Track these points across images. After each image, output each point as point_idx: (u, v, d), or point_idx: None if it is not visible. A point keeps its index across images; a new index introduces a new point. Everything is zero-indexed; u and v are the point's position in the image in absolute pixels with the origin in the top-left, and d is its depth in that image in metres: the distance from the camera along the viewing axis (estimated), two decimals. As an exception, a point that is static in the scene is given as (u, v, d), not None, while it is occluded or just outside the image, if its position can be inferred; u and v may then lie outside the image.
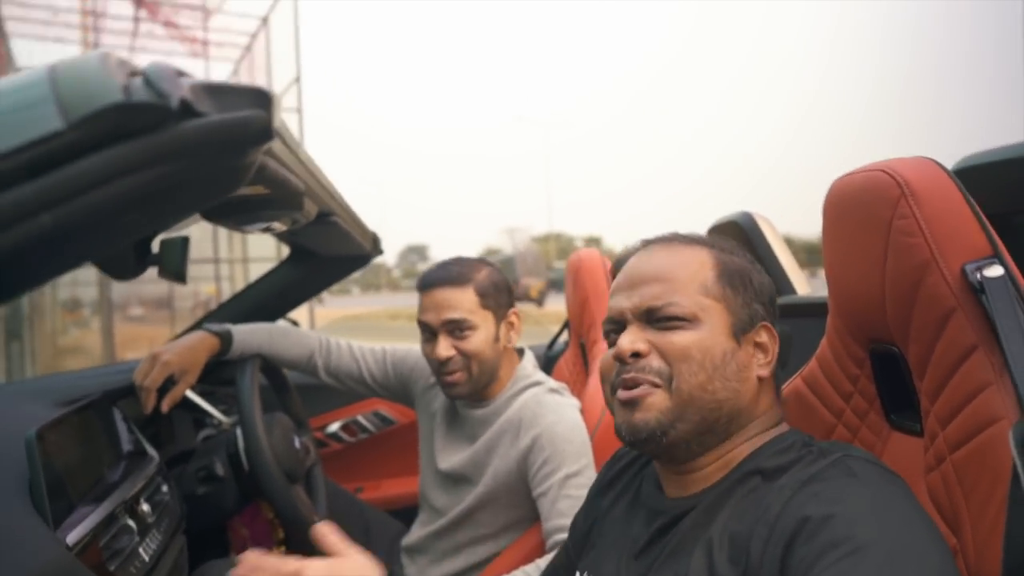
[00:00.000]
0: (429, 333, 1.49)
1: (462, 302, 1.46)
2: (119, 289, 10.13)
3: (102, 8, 8.54)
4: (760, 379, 0.83)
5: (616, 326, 0.86)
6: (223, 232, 10.60)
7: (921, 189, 0.75)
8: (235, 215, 1.04)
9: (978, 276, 0.71)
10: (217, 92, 0.48)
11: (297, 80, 9.82)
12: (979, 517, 0.70)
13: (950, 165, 0.79)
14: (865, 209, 0.80)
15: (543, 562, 1.27)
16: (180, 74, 0.48)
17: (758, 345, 0.84)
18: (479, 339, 1.46)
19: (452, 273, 1.48)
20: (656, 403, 0.79)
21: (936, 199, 0.74)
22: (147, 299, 12.03)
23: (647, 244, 0.90)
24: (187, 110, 0.46)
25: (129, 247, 1.07)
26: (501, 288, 1.52)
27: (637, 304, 0.83)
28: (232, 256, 10.63)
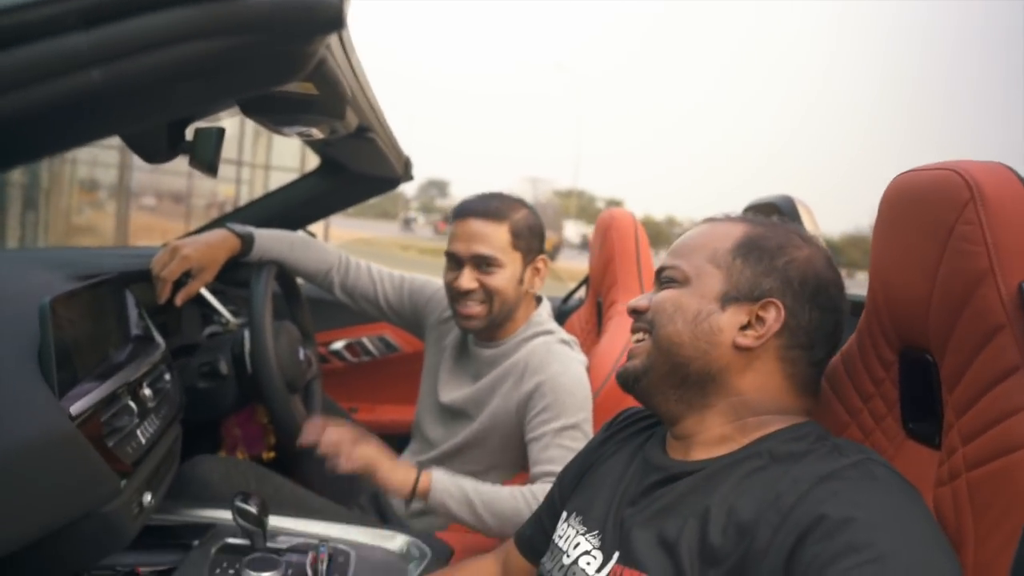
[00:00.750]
0: (455, 262, 1.48)
1: (495, 238, 1.44)
2: (137, 178, 10.13)
3: None
4: (738, 347, 0.83)
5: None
6: (248, 135, 10.54)
7: (993, 196, 0.71)
8: (276, 113, 1.01)
9: (1035, 296, 0.68)
10: None
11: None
12: (986, 538, 0.69)
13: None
14: (928, 208, 0.76)
15: (537, 490, 1.29)
16: None
17: (760, 318, 0.83)
18: (504, 277, 1.45)
19: (490, 207, 1.46)
20: (641, 350, 0.88)
21: (1007, 209, 0.71)
22: (164, 191, 12.04)
23: (705, 221, 0.95)
24: (260, -18, 0.43)
25: (163, 128, 1.05)
26: (535, 232, 1.50)
27: (659, 266, 0.92)
28: (255, 161, 10.59)
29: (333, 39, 0.70)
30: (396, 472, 1.30)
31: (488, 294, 1.45)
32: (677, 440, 0.87)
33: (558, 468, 1.25)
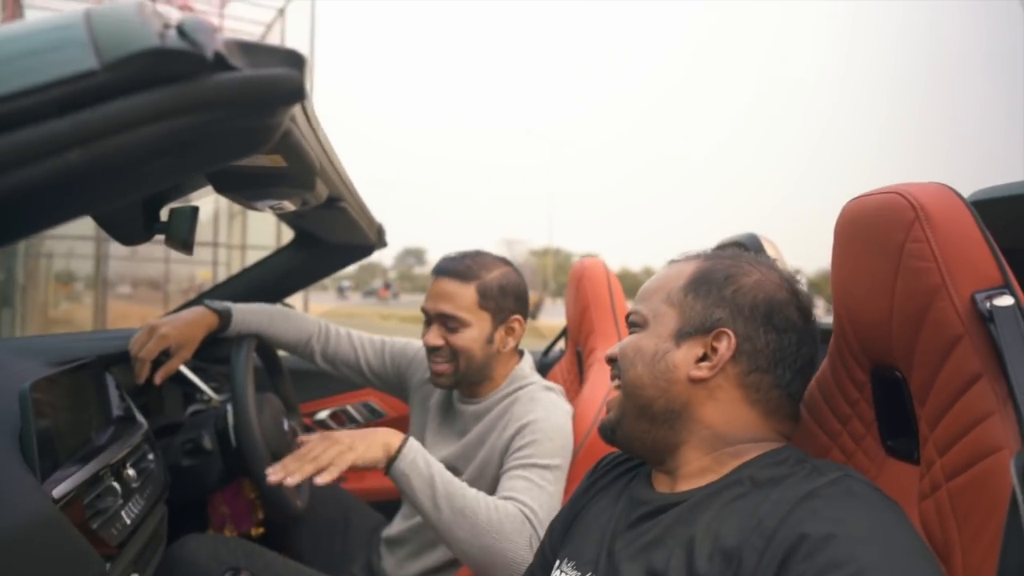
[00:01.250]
0: (426, 318, 1.51)
1: (460, 297, 1.46)
2: (114, 266, 10.11)
3: (119, -11, 8.56)
4: (693, 380, 0.84)
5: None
6: (223, 216, 10.61)
7: (936, 214, 0.75)
8: (247, 188, 1.04)
9: (987, 305, 0.71)
10: (251, 49, 0.48)
11: (310, 71, 9.86)
12: (971, 546, 0.70)
13: (966, 194, 0.79)
14: (878, 231, 0.80)
15: (501, 505, 1.24)
16: (215, 30, 0.48)
17: (714, 349, 0.84)
18: (469, 337, 1.46)
19: (460, 267, 1.48)
20: (615, 401, 0.91)
21: (950, 225, 0.75)
22: (141, 279, 12.01)
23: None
24: (221, 63, 0.46)
25: (138, 211, 1.07)
26: (508, 292, 1.50)
27: (628, 311, 0.95)
28: (231, 242, 10.62)
29: (297, 111, 0.73)
30: (371, 451, 1.22)
31: (453, 353, 1.47)
32: (663, 474, 0.88)
33: (521, 496, 1.25)
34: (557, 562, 0.92)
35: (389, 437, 1.24)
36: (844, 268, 0.87)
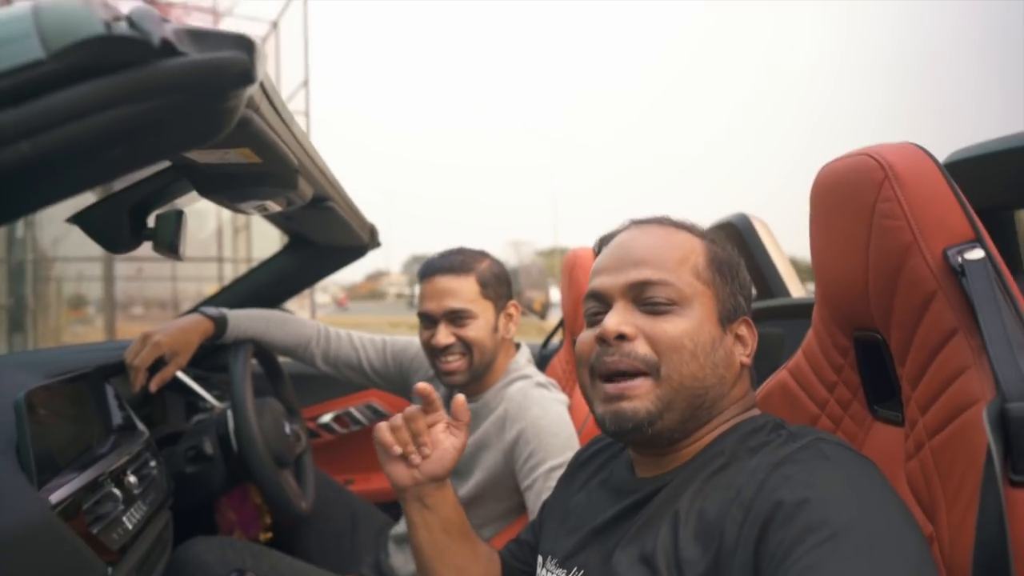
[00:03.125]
0: (429, 321, 1.50)
1: (463, 291, 1.47)
2: (123, 288, 10.17)
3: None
4: (743, 365, 0.84)
5: (600, 305, 0.83)
6: (227, 232, 10.66)
7: (905, 172, 0.75)
8: (229, 189, 1.05)
9: (959, 259, 0.71)
10: (199, 36, 0.49)
11: (305, 84, 9.89)
12: (953, 501, 0.70)
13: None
14: (850, 193, 0.80)
15: None
16: (164, 20, 0.49)
17: (739, 337, 0.85)
18: (479, 327, 1.47)
19: (454, 262, 1.49)
20: (644, 392, 0.77)
21: (920, 183, 0.75)
22: (151, 299, 12.07)
23: (637, 223, 0.89)
24: (168, 49, 0.47)
25: (124, 218, 1.08)
26: (501, 279, 1.53)
27: (626, 280, 0.80)
28: (236, 256, 10.67)
29: (264, 105, 0.74)
30: None
31: (466, 346, 1.47)
32: (650, 458, 0.84)
33: None
34: (540, 558, 0.92)
35: None
36: (820, 235, 0.87)
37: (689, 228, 0.87)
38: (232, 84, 0.49)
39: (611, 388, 0.79)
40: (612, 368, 0.78)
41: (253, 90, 0.56)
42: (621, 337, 0.78)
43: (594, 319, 0.84)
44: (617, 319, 0.79)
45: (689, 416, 0.79)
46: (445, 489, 0.98)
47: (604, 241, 0.90)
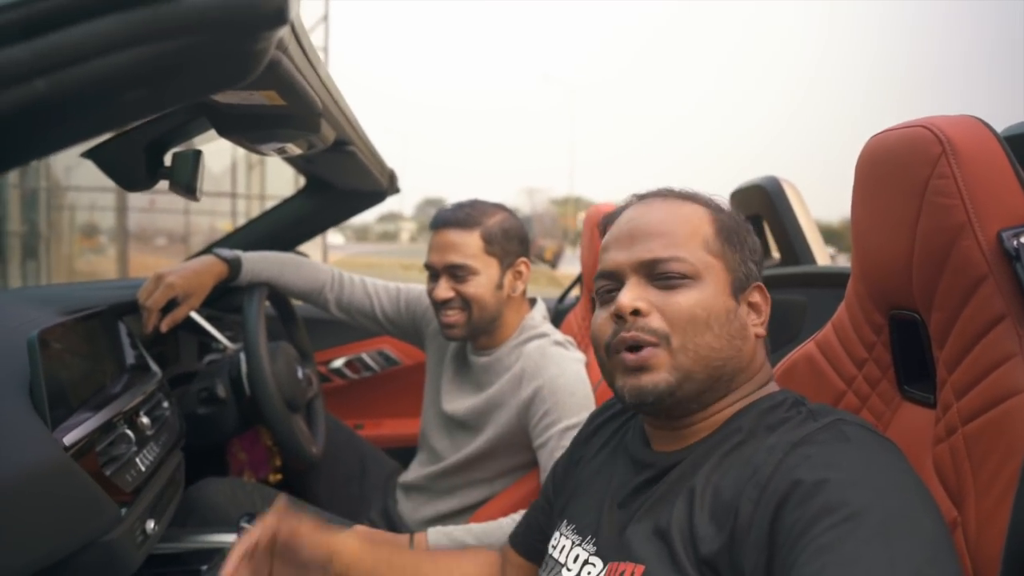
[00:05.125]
0: (432, 273, 1.49)
1: (466, 245, 1.44)
2: (136, 219, 10.19)
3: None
4: (757, 336, 0.83)
5: (612, 283, 0.83)
6: (241, 167, 10.60)
7: (964, 148, 0.71)
8: (250, 130, 1.02)
9: (1014, 243, 0.68)
10: None
11: (325, 18, 9.68)
12: (986, 490, 0.68)
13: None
14: (901, 167, 0.76)
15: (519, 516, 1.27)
16: None
17: (751, 305, 0.83)
18: (479, 284, 1.45)
19: (461, 216, 1.46)
20: (661, 363, 0.77)
21: (979, 160, 0.71)
22: (163, 231, 12.10)
23: (642, 198, 0.88)
24: (198, -16, 0.43)
25: (141, 156, 1.05)
26: (512, 235, 1.49)
27: (638, 257, 0.80)
28: (250, 193, 10.63)
29: (292, 47, 0.70)
30: None
31: (465, 302, 1.45)
32: (666, 432, 0.83)
33: None
34: (558, 523, 0.91)
35: None
36: (865, 207, 0.83)
37: (693, 198, 0.86)
38: (265, 24, 0.45)
39: (630, 358, 0.78)
40: (630, 342, 0.79)
41: (284, 30, 0.52)
42: (636, 312, 0.78)
43: (607, 296, 0.84)
44: (632, 295, 0.79)
45: (707, 387, 0.79)
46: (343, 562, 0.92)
47: (610, 219, 0.89)
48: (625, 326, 0.78)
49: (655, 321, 0.78)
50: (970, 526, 0.69)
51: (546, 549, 0.90)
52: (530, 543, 1.00)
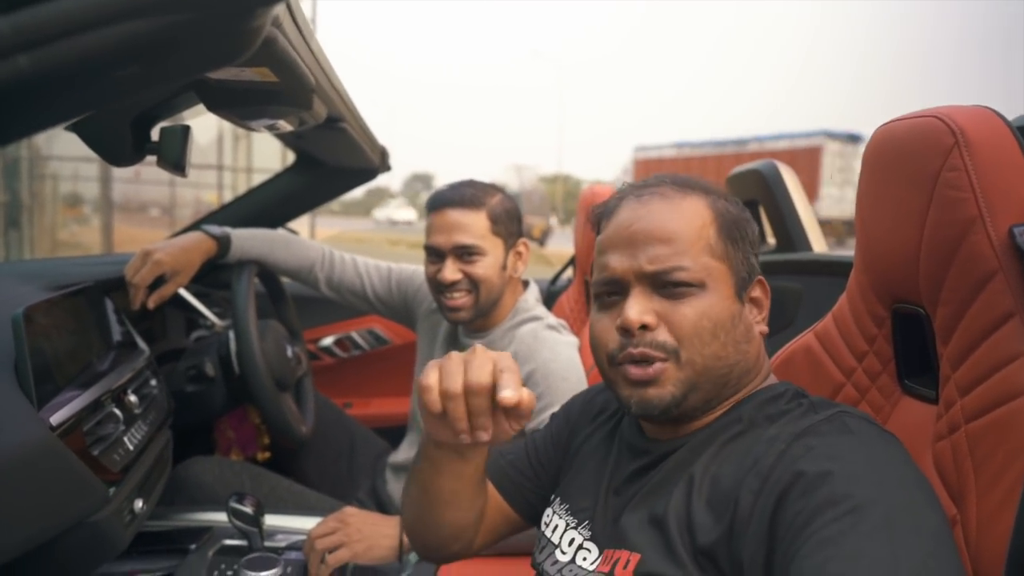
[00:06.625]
0: (436, 255, 1.45)
1: (474, 226, 1.42)
2: (120, 189, 10.04)
3: None
4: (761, 335, 0.83)
5: (614, 287, 0.80)
6: (228, 140, 10.46)
7: (978, 140, 0.69)
8: (241, 106, 0.98)
9: (1026, 239, 0.67)
10: None
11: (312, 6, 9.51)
12: (988, 490, 0.68)
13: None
14: (911, 157, 0.75)
15: None
16: None
17: (753, 300, 0.82)
18: (487, 265, 1.43)
19: (466, 195, 1.43)
20: (669, 378, 0.76)
21: (992, 152, 0.69)
22: (148, 201, 11.95)
23: (638, 193, 0.83)
24: (192, -44, 0.40)
25: (127, 130, 1.02)
26: (513, 215, 1.48)
27: (641, 267, 0.78)
28: (236, 165, 10.51)
29: (286, 22, 0.67)
30: (374, 550, 1.23)
31: (473, 283, 1.43)
32: (661, 426, 0.82)
33: None
34: (552, 499, 0.91)
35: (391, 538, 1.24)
36: (872, 198, 0.82)
37: (691, 188, 0.82)
38: (261, 2, 0.43)
39: (637, 372, 0.77)
40: (638, 358, 0.77)
41: (279, 6, 0.49)
42: (643, 327, 0.76)
43: (608, 301, 0.81)
44: (638, 308, 0.77)
45: (714, 395, 0.79)
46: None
47: (604, 213, 0.85)
48: (632, 341, 0.77)
49: (663, 335, 0.76)
50: (970, 524, 0.69)
51: (520, 483, 0.95)
52: (511, 478, 0.98)
